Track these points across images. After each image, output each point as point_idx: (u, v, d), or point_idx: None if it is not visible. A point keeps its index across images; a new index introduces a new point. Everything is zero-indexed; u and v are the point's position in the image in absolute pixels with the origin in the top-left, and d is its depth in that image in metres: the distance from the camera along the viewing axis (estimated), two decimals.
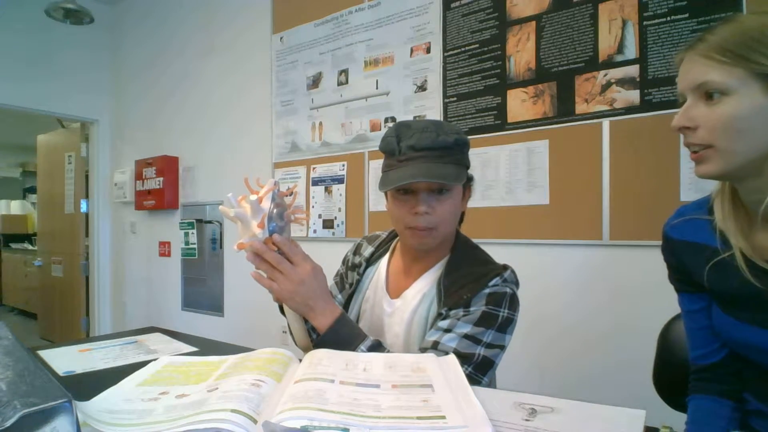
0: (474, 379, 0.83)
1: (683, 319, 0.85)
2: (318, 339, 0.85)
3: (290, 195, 0.86)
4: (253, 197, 0.77)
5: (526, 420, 0.56)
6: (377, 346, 0.84)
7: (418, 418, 0.53)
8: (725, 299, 0.73)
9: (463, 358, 0.81)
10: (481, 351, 0.84)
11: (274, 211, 0.79)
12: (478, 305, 0.87)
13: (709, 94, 0.63)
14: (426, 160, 0.88)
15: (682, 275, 0.80)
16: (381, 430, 0.50)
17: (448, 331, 0.86)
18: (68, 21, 2.73)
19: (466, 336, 0.85)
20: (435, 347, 0.84)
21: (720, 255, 0.70)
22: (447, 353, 0.81)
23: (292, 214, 0.85)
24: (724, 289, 0.72)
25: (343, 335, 0.84)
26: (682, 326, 0.87)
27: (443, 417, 0.53)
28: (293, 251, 0.83)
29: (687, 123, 0.65)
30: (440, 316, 0.89)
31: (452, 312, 0.88)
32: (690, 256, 0.77)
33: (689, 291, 0.81)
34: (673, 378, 0.98)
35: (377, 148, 2.24)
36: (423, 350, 0.86)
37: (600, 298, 1.65)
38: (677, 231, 0.79)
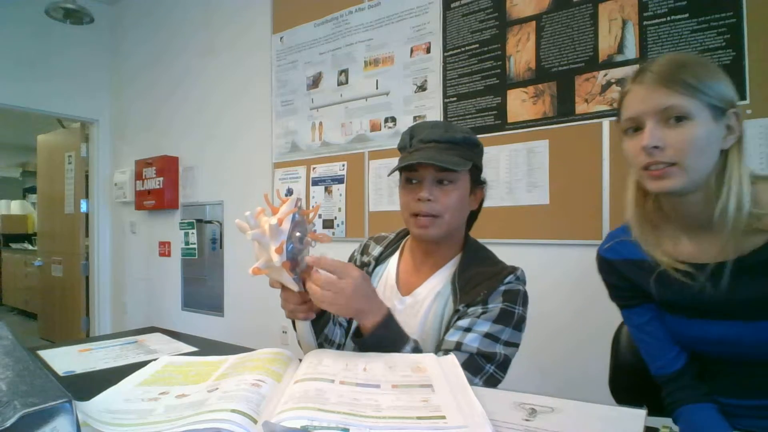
0: (495, 377, 0.86)
1: (633, 336, 0.91)
2: (363, 340, 0.82)
3: (312, 214, 0.82)
4: (274, 220, 0.73)
5: (526, 420, 0.56)
6: (417, 348, 0.84)
7: (418, 418, 0.53)
8: (672, 304, 0.81)
9: (487, 358, 0.85)
10: (501, 350, 0.87)
11: (297, 234, 0.76)
12: (495, 302, 0.89)
13: (677, 117, 0.71)
14: (431, 150, 0.93)
15: (628, 291, 0.88)
16: (381, 430, 0.50)
17: (468, 330, 0.87)
18: (68, 21, 2.73)
19: (486, 335, 0.87)
20: (459, 348, 0.85)
21: (656, 267, 0.80)
22: (471, 354, 0.84)
23: (314, 239, 0.80)
24: (669, 296, 0.80)
25: (390, 335, 0.82)
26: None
27: (443, 417, 0.53)
28: (335, 265, 0.79)
29: (659, 143, 0.72)
30: (457, 313, 0.91)
31: (470, 310, 0.89)
32: (634, 271, 0.85)
33: (636, 304, 0.88)
34: (627, 382, 1.03)
35: (377, 148, 2.26)
36: (446, 351, 0.86)
37: (600, 297, 1.64)
38: (613, 252, 0.88)
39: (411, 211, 0.94)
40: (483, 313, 0.88)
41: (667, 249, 0.79)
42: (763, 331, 0.73)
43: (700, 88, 0.70)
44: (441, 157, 0.91)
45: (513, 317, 0.89)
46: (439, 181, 0.93)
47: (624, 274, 0.87)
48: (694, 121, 0.70)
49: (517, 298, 0.91)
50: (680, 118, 0.71)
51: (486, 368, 0.85)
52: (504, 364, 0.88)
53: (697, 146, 0.71)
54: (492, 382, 0.86)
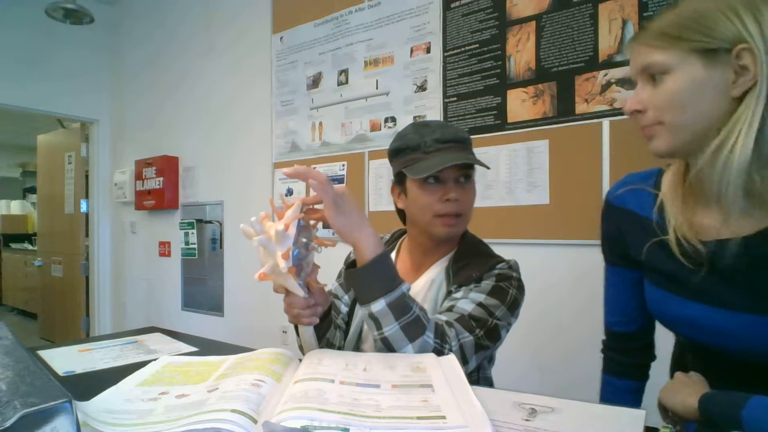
0: (482, 344, 0.85)
1: (605, 287, 0.90)
2: (361, 269, 0.77)
3: (316, 221, 0.80)
4: (280, 226, 0.72)
5: (526, 420, 0.56)
6: (408, 293, 0.80)
7: (418, 418, 0.53)
8: (662, 274, 0.74)
9: (477, 321, 0.85)
10: (493, 320, 0.87)
11: (302, 240, 0.76)
12: (488, 280, 0.91)
13: (653, 76, 0.66)
14: (455, 149, 0.94)
15: (617, 247, 0.82)
16: (381, 430, 0.50)
17: (462, 299, 0.89)
18: (68, 21, 2.73)
19: (480, 304, 0.87)
20: (450, 309, 0.87)
21: (659, 232, 0.72)
22: (462, 315, 0.85)
23: (319, 245, 0.80)
24: (662, 266, 0.73)
25: (388, 268, 0.78)
26: None
27: (443, 417, 0.53)
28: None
29: (637, 106, 0.68)
30: (450, 294, 0.92)
31: (463, 288, 0.91)
32: (630, 227, 0.78)
33: (619, 265, 0.84)
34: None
35: (377, 148, 2.25)
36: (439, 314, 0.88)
37: (600, 298, 1.65)
38: (620, 199, 0.80)
39: (436, 212, 0.93)
40: (476, 287, 0.90)
41: (687, 217, 0.70)
42: (748, 325, 0.65)
43: (678, 35, 0.62)
44: (469, 156, 0.95)
45: (507, 296, 0.90)
46: (456, 179, 0.94)
47: (619, 227, 0.80)
48: (674, 73, 0.63)
49: (511, 280, 0.92)
50: (658, 76, 0.65)
51: (476, 331, 0.84)
52: (493, 333, 0.86)
53: (675, 101, 0.63)
54: (479, 349, 0.84)
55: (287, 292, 0.81)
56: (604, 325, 0.91)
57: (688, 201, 0.71)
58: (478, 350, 0.85)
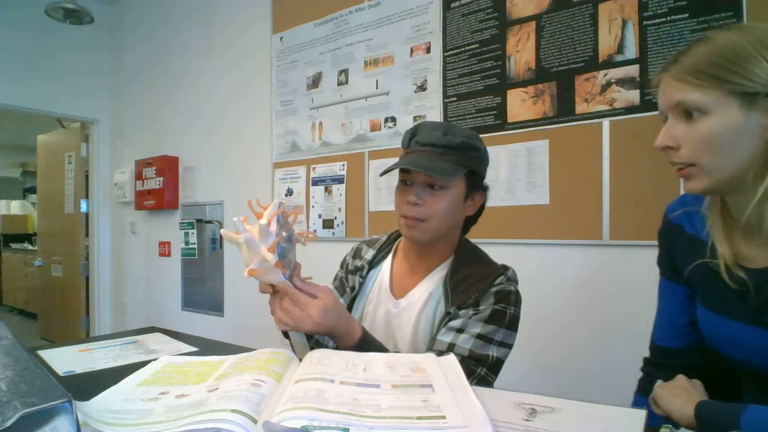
0: (487, 380, 0.86)
1: (658, 302, 0.87)
2: None
3: (293, 217, 0.83)
4: (263, 221, 0.74)
5: (526, 420, 0.56)
6: None
7: (418, 418, 0.53)
8: (708, 295, 0.75)
9: (478, 361, 0.85)
10: (493, 352, 0.87)
11: (283, 234, 0.78)
12: (487, 303, 0.89)
13: (688, 112, 0.65)
14: (424, 154, 0.92)
15: (671, 262, 0.83)
16: (381, 430, 0.50)
17: (460, 331, 0.87)
18: (68, 21, 2.73)
19: (479, 336, 0.87)
20: (451, 350, 0.85)
21: (707, 253, 0.73)
22: (462, 356, 0.84)
23: (302, 236, 0.83)
24: (707, 286, 0.74)
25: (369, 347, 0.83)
26: None
27: (443, 417, 0.53)
28: (308, 284, 0.82)
29: (669, 143, 0.68)
30: (449, 315, 0.90)
31: (462, 312, 0.89)
32: (681, 244, 0.79)
33: (672, 278, 0.83)
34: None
35: (377, 148, 2.26)
36: (438, 353, 0.86)
37: (600, 298, 1.65)
38: (678, 219, 0.82)
39: (400, 213, 0.95)
40: (475, 314, 0.88)
41: (727, 245, 0.71)
42: None
43: (720, 76, 0.62)
44: (431, 163, 0.90)
45: (505, 317, 0.89)
46: (431, 185, 0.92)
47: (672, 243, 0.81)
48: (711, 114, 0.63)
49: (509, 298, 0.90)
50: (695, 113, 0.64)
51: (477, 371, 0.85)
52: (495, 367, 0.88)
53: (712, 144, 0.63)
54: (482, 384, 0.85)
55: (273, 292, 0.81)
56: (650, 341, 0.88)
57: (732, 231, 0.71)
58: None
